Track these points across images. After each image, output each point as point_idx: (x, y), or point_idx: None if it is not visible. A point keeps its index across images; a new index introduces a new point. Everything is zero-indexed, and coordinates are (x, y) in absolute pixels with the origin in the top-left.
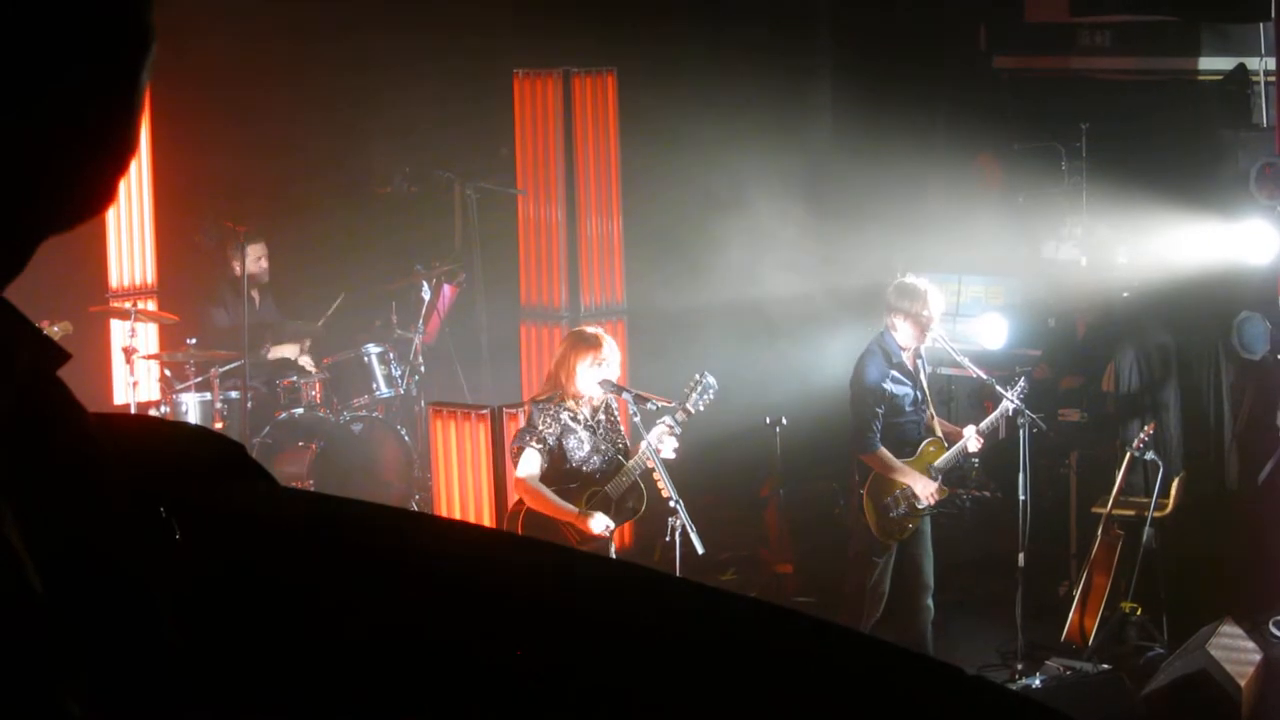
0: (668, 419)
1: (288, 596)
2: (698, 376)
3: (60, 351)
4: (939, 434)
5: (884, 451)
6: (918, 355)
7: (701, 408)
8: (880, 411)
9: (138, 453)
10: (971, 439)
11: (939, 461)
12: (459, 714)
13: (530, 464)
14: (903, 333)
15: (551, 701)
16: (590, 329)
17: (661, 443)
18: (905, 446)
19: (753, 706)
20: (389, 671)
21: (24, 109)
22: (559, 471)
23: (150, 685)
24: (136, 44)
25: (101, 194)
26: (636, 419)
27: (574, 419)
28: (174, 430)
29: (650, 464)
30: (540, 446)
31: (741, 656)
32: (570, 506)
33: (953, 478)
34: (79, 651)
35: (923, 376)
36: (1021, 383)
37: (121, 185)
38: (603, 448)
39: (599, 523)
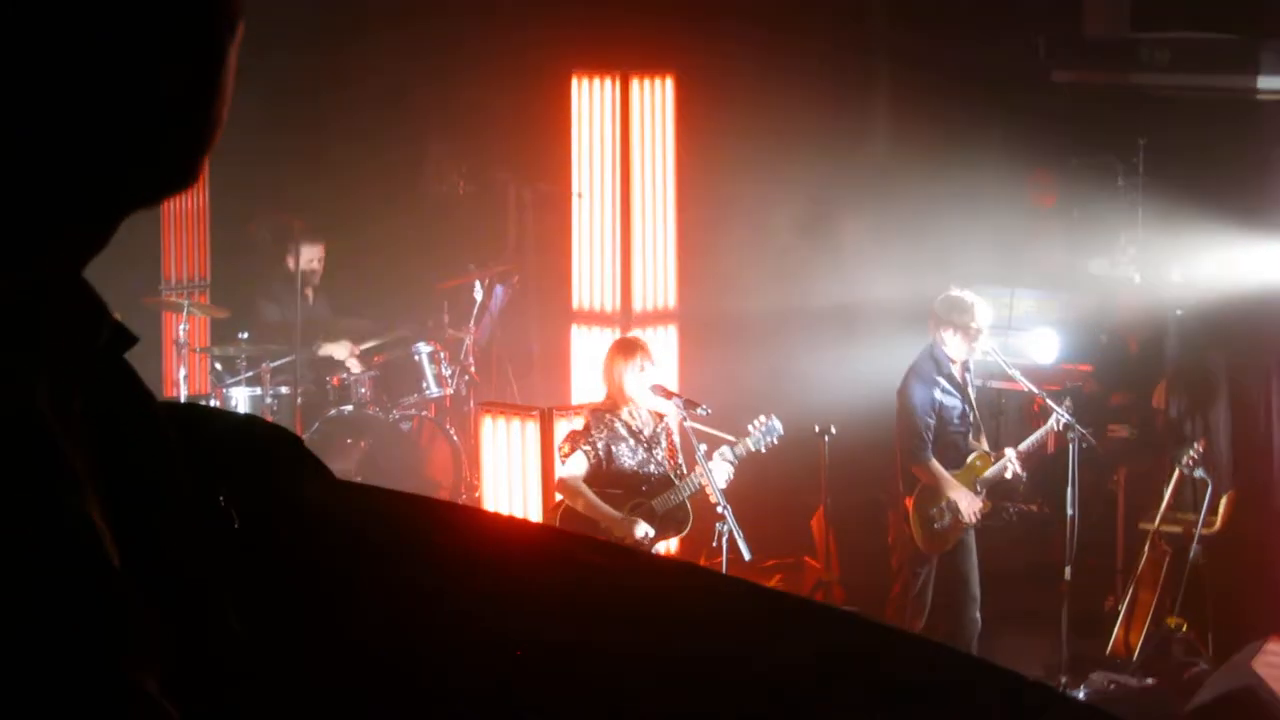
0: (726, 449)
1: (342, 587)
2: (763, 418)
3: (129, 334)
4: (985, 448)
5: (934, 463)
6: (966, 368)
7: (763, 449)
8: (931, 422)
9: (197, 441)
10: (1012, 461)
11: (985, 475)
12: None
13: (576, 466)
14: (951, 345)
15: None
16: (630, 335)
17: (718, 469)
18: (953, 458)
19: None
20: (433, 663)
21: (115, 81)
22: (604, 477)
23: (214, 671)
24: (225, 23)
25: (186, 170)
26: (688, 425)
27: (627, 429)
28: (232, 420)
29: (704, 482)
30: (588, 449)
31: (802, 657)
32: (611, 511)
33: (1000, 491)
34: (154, 632)
35: (970, 390)
36: (1068, 401)
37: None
38: (654, 462)
39: (640, 529)
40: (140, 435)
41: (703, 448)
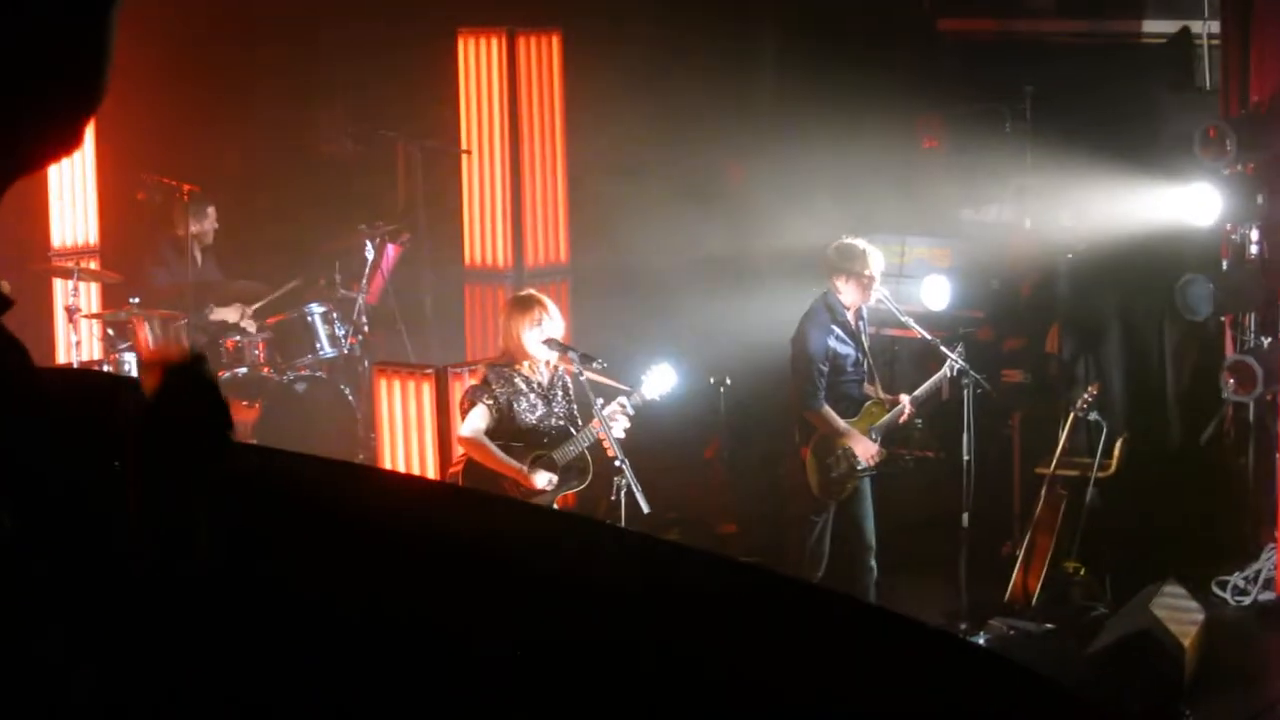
0: (623, 399)
1: (240, 548)
2: (657, 366)
3: (4, 299)
4: (880, 396)
5: (828, 410)
6: (859, 316)
7: (659, 397)
8: (824, 370)
9: (80, 403)
10: (905, 407)
11: (881, 422)
12: (408, 661)
13: (477, 419)
14: (845, 293)
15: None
16: (525, 292)
17: (614, 420)
18: (848, 406)
19: (722, 652)
20: (336, 621)
21: (3, 55)
22: (506, 431)
23: (110, 625)
24: None
25: (70, 136)
26: (583, 380)
27: (527, 384)
28: (112, 381)
29: (601, 435)
30: (490, 404)
31: (696, 605)
32: (514, 462)
33: (897, 438)
34: (48, 592)
35: (864, 338)
36: (960, 347)
37: None
38: (554, 416)
39: (542, 478)
40: (22, 392)
41: (599, 402)
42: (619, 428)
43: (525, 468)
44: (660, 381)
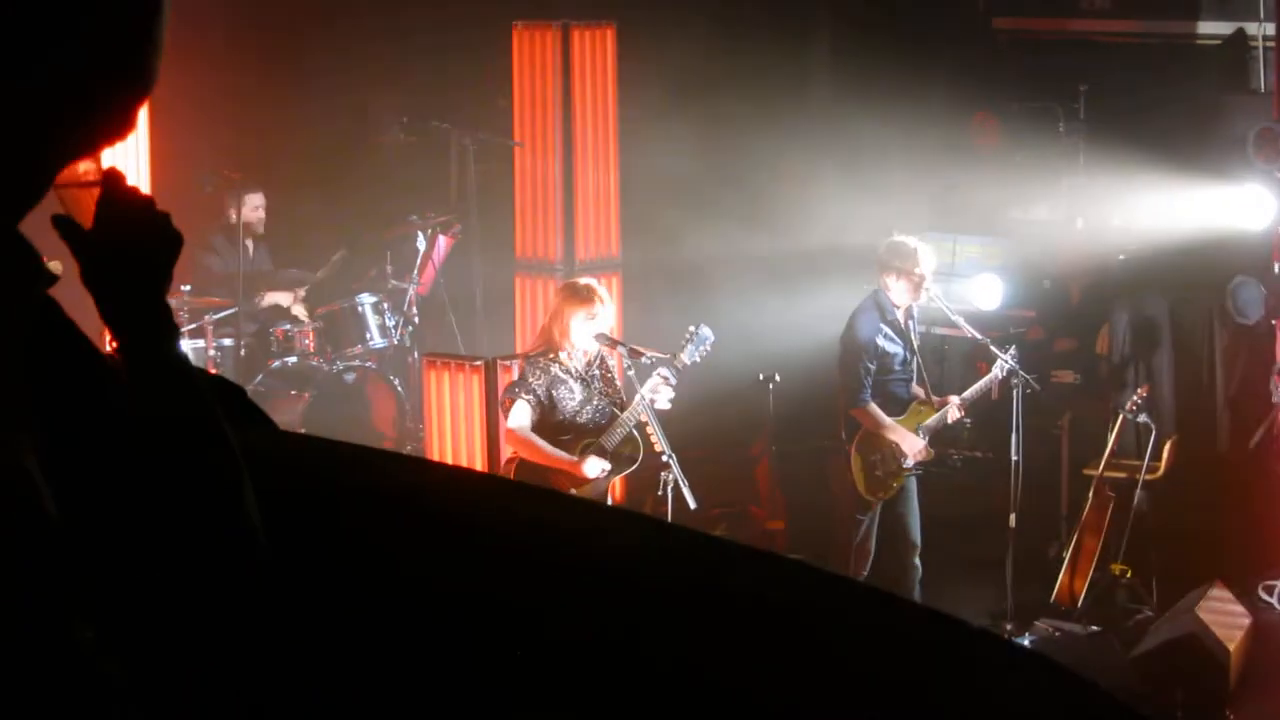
0: (663, 370)
1: (290, 533)
2: (693, 329)
3: (50, 274)
4: (926, 395)
5: (874, 407)
6: (910, 315)
7: (698, 359)
8: (872, 367)
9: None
10: (953, 408)
11: (928, 422)
12: (452, 651)
13: (520, 415)
14: (896, 291)
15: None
16: (583, 281)
17: (657, 393)
18: (894, 405)
19: (766, 658)
20: (382, 608)
21: (53, 36)
22: (551, 424)
23: (165, 613)
24: None
25: (123, 120)
26: (631, 372)
27: (565, 371)
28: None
29: (644, 417)
30: (530, 399)
31: (739, 606)
32: (564, 454)
33: (945, 438)
34: (92, 580)
35: (914, 337)
36: (1013, 349)
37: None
38: (596, 400)
39: (593, 466)
40: (79, 380)
41: (643, 390)
42: (664, 398)
43: (576, 458)
44: (699, 343)
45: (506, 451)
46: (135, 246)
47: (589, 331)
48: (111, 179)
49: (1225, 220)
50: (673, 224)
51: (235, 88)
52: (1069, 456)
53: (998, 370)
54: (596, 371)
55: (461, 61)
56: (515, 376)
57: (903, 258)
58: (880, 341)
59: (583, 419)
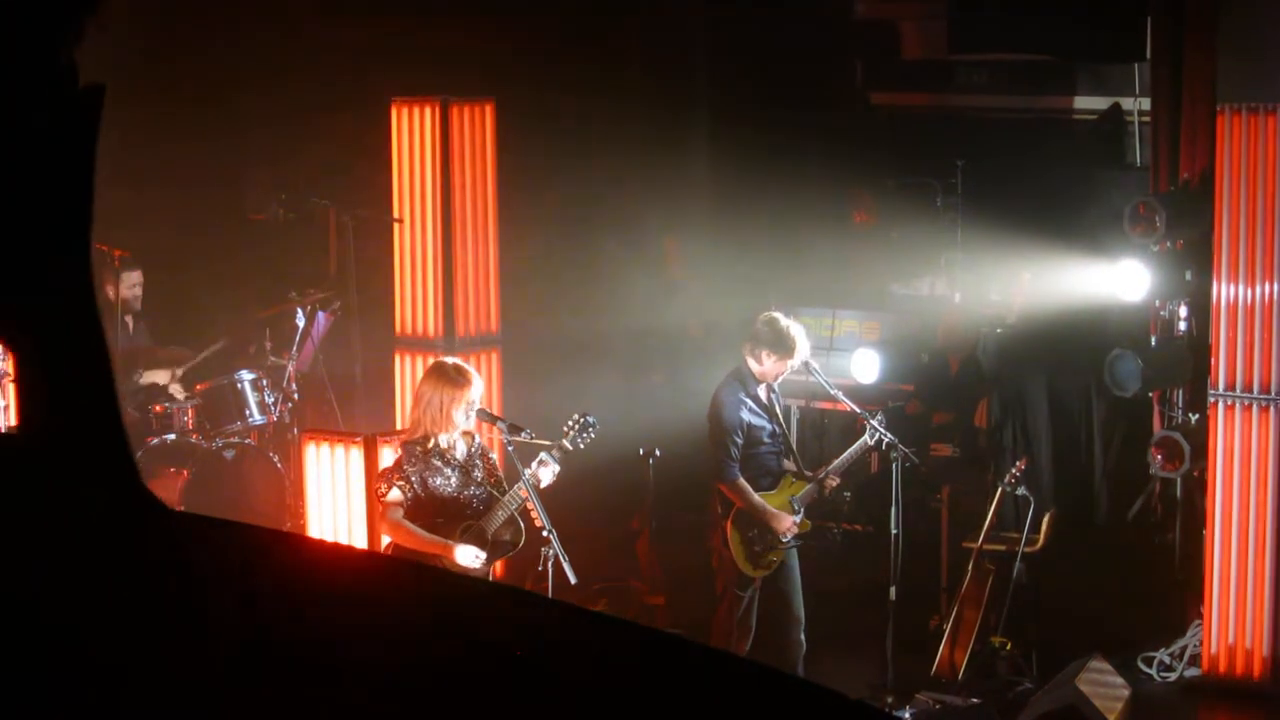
0: (544, 455)
1: (171, 612)
2: (578, 416)
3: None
4: (797, 468)
5: (743, 483)
6: (771, 389)
7: (581, 445)
8: (739, 441)
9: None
10: (826, 479)
11: (800, 494)
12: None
13: (393, 503)
14: (765, 364)
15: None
16: (450, 361)
17: (539, 473)
18: (766, 478)
19: None
20: (248, 679)
21: None
22: (426, 508)
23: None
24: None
25: None
26: (510, 449)
27: (441, 459)
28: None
29: (525, 495)
30: (403, 484)
31: (622, 684)
32: (437, 539)
33: (825, 511)
34: None
35: (778, 409)
36: (879, 416)
37: None
38: (474, 484)
39: (465, 554)
40: None
41: (526, 472)
42: (547, 476)
43: (450, 542)
44: (581, 429)
45: (383, 541)
46: None
47: (466, 412)
48: None
49: (1103, 293)
50: (553, 299)
51: (110, 163)
52: (948, 529)
53: (867, 437)
54: (477, 456)
55: (340, 138)
56: (392, 465)
57: (774, 333)
58: (745, 415)
59: (459, 502)
